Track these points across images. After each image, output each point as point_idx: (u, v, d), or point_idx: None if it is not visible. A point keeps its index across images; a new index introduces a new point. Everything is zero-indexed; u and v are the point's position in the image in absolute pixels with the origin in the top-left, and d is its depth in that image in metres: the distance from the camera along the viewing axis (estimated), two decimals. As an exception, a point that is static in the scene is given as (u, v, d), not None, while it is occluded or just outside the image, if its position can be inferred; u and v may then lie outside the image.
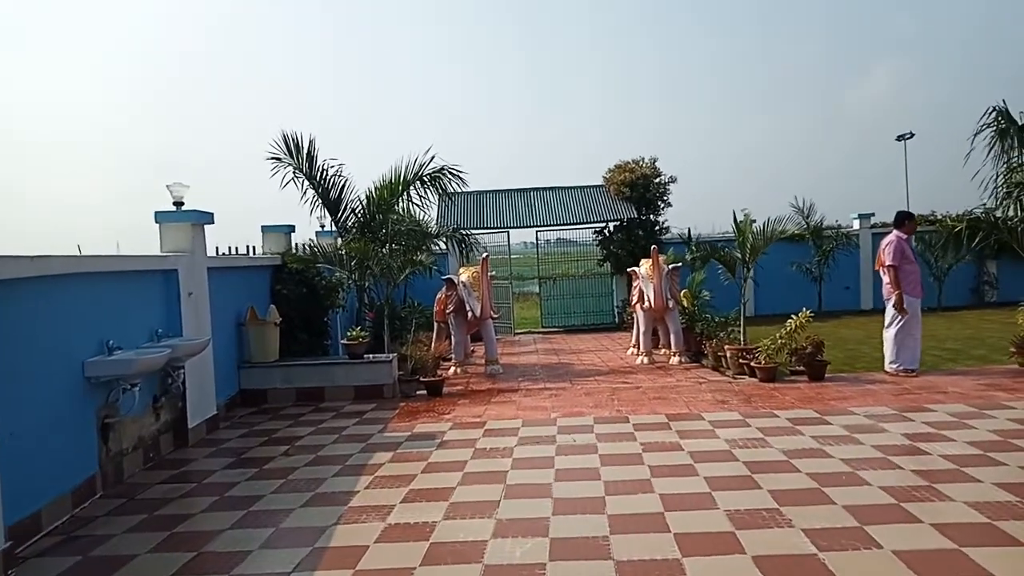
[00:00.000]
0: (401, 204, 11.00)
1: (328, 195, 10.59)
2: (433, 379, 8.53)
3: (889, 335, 8.52)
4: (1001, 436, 5.60)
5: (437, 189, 11.12)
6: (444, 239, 13.27)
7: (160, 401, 6.11)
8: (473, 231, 14.85)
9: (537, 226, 16.93)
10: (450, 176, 10.95)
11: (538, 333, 16.15)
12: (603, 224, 16.60)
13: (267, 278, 9.21)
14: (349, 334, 8.61)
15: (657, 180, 16.38)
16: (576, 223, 16.86)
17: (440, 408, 7.64)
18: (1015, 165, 9.21)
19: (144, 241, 6.56)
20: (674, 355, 10.20)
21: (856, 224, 17.42)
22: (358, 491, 4.99)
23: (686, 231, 16.87)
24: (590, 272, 17.13)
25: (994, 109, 9.34)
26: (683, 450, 5.59)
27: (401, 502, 4.71)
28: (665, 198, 16.51)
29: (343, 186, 10.65)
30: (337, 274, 9.84)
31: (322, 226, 12.62)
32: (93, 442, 5.14)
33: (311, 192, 10.53)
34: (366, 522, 4.38)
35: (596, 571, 3.55)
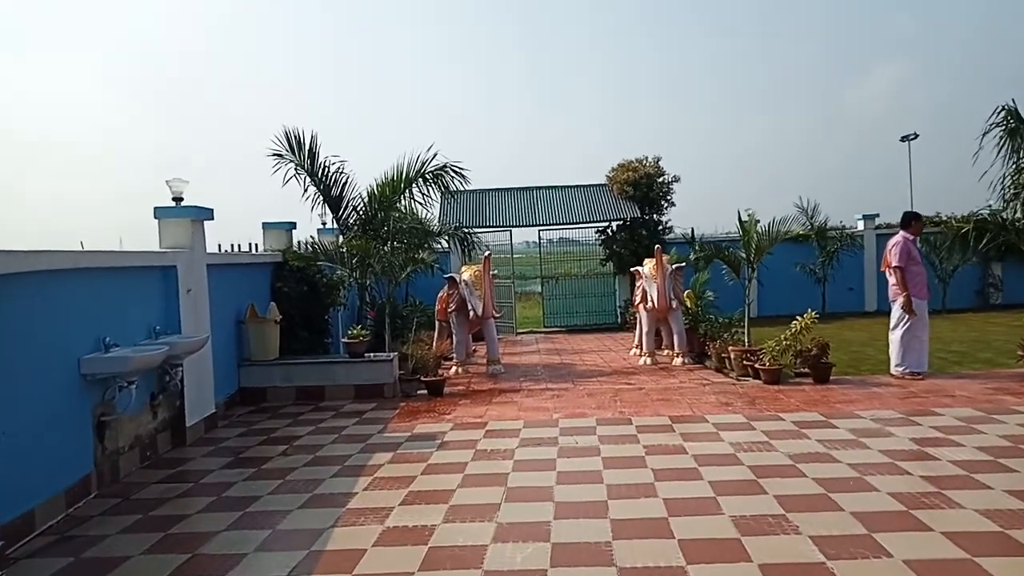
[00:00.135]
0: (403, 202, 10.93)
1: (329, 192, 10.51)
2: (434, 379, 8.45)
3: (895, 337, 8.43)
4: (1011, 442, 5.50)
5: (439, 187, 11.04)
6: (446, 237, 13.20)
7: (158, 399, 6.04)
8: (475, 230, 14.76)
9: (540, 225, 16.83)
10: (452, 174, 10.88)
11: (540, 333, 16.07)
12: (606, 223, 16.50)
13: (268, 275, 9.14)
14: (350, 332, 8.54)
15: (660, 179, 16.28)
16: (579, 222, 16.76)
17: (441, 408, 7.56)
18: (1024, 165, 9.12)
19: (147, 239, 6.54)
20: (677, 356, 10.11)
21: (860, 225, 17.29)
22: (357, 492, 4.91)
23: (689, 231, 16.79)
24: (593, 272, 17.04)
25: (1003, 108, 9.25)
26: (687, 453, 5.50)
27: (400, 504, 4.63)
28: (668, 197, 16.43)
29: (345, 183, 10.57)
30: (338, 272, 9.77)
31: (324, 223, 12.59)
32: (89, 440, 5.07)
33: (312, 189, 10.45)
34: (364, 524, 4.31)
35: (598, 578, 3.47)
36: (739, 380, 8.54)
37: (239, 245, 10.62)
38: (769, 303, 14.94)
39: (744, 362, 8.62)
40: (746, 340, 9.05)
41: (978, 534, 3.79)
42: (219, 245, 10.31)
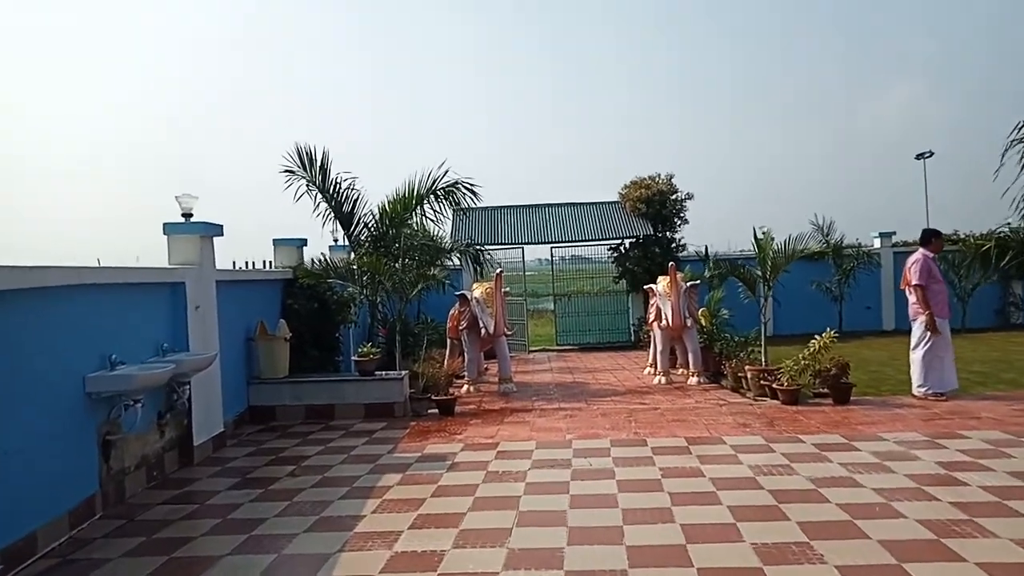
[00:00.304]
0: (415, 218, 10.88)
1: (341, 209, 10.48)
2: (445, 397, 8.33)
3: (916, 357, 8.23)
4: (1042, 466, 5.30)
5: (451, 204, 11.00)
6: (458, 254, 13.12)
7: (165, 418, 5.95)
8: (487, 247, 14.68)
9: (552, 242, 16.75)
10: (464, 190, 10.83)
11: (553, 351, 15.91)
12: (619, 241, 16.39)
13: (278, 292, 9.08)
14: (360, 350, 8.45)
15: (674, 196, 16.18)
16: (591, 239, 16.66)
17: (452, 428, 7.44)
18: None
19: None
20: (692, 375, 9.94)
21: (877, 242, 17.09)
22: (365, 515, 4.79)
23: (703, 248, 16.63)
24: (605, 289, 16.91)
25: (1023, 124, 9.09)
26: (704, 476, 5.34)
27: (409, 528, 4.50)
28: (682, 215, 16.31)
29: (356, 200, 10.55)
30: (349, 289, 9.70)
31: (335, 240, 12.53)
32: (94, 460, 4.98)
33: (324, 206, 10.43)
34: (372, 549, 4.18)
35: (615, 609, 3.32)
36: (756, 400, 8.36)
37: (253, 262, 10.59)
38: (785, 321, 14.71)
39: (761, 382, 8.45)
40: (763, 359, 8.87)
41: (1014, 565, 3.61)
42: (234, 262, 10.29)
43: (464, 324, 9.79)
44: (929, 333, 8.05)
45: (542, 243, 16.86)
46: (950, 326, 8.38)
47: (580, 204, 17.59)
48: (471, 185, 10.87)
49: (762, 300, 9.20)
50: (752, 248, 9.66)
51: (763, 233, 9.27)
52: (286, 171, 10.23)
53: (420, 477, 5.65)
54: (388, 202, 10.69)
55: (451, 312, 10.60)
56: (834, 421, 7.06)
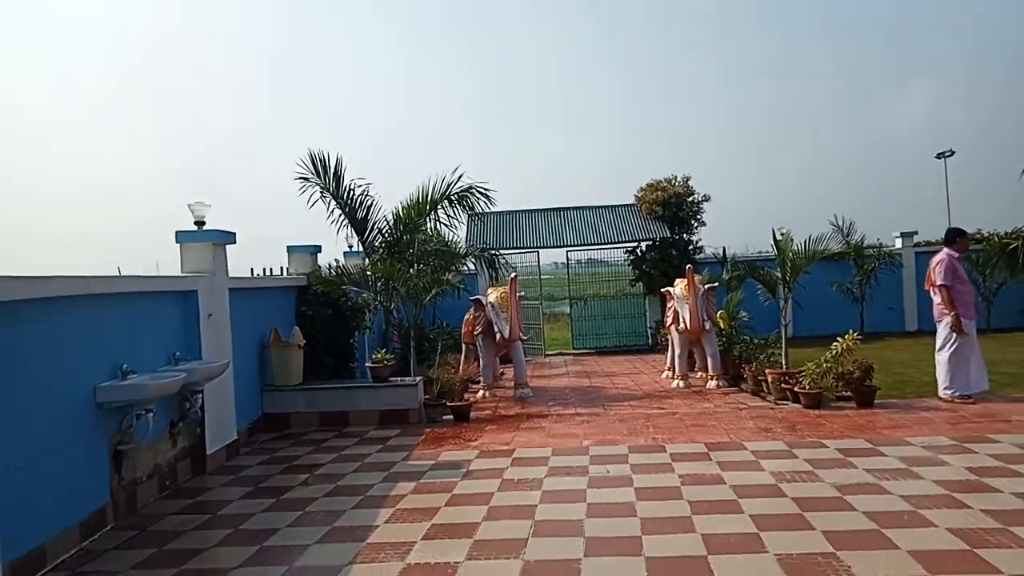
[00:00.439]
0: (429, 224, 10.82)
1: (355, 215, 10.44)
2: (460, 403, 8.24)
3: (942, 359, 8.02)
4: (1078, 471, 5.11)
5: (465, 208, 10.93)
6: (473, 259, 13.04)
7: (177, 427, 5.91)
8: (503, 251, 14.59)
9: (568, 246, 16.62)
10: (478, 195, 10.76)
11: (569, 355, 15.78)
12: (635, 243, 16.24)
13: (292, 299, 9.04)
14: (374, 356, 8.39)
15: (690, 199, 16.00)
16: (607, 243, 16.52)
17: (467, 434, 7.34)
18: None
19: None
20: (711, 379, 9.78)
21: (898, 243, 16.81)
22: (378, 525, 4.70)
23: (720, 250, 16.42)
24: (622, 292, 16.75)
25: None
26: (725, 483, 5.20)
27: (422, 538, 4.41)
28: (699, 217, 16.12)
29: (370, 206, 10.50)
30: (364, 295, 9.65)
31: (350, 246, 12.52)
32: (105, 470, 4.94)
33: (338, 212, 10.39)
34: (384, 561, 4.09)
35: (634, 624, 3.20)
36: (777, 404, 8.19)
37: (271, 269, 10.61)
38: (805, 323, 14.49)
39: (782, 385, 8.27)
40: (783, 362, 8.70)
41: (1053, 577, 3.44)
42: (251, 269, 10.31)
43: (479, 329, 9.70)
44: (955, 334, 7.84)
45: (558, 247, 16.74)
46: (975, 326, 8.16)
47: (596, 207, 17.46)
48: (485, 190, 10.81)
49: (782, 302, 9.02)
50: (770, 250, 9.50)
51: (782, 234, 9.11)
52: (300, 178, 10.21)
53: (434, 485, 5.56)
54: (402, 208, 10.64)
55: (466, 317, 10.52)
56: (858, 425, 6.88)
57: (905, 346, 13.27)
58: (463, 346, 10.93)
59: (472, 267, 13.38)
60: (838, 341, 7.90)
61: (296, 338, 8.22)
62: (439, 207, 10.70)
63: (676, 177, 16.41)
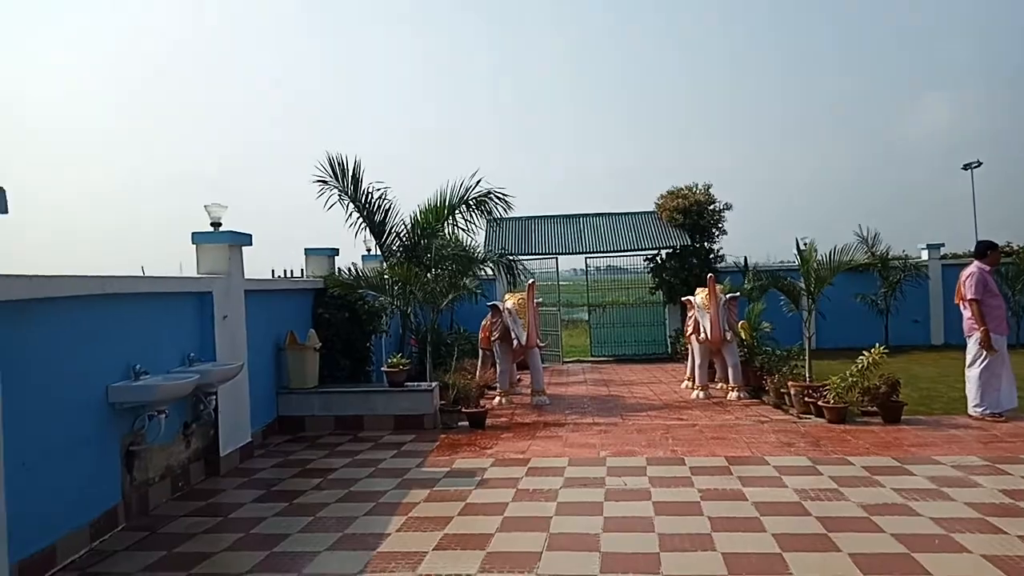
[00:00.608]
0: (447, 228, 10.75)
1: (373, 218, 10.40)
2: (476, 410, 8.14)
3: (972, 375, 7.79)
4: (1117, 496, 4.90)
5: (483, 213, 10.85)
6: (491, 264, 12.96)
7: (191, 428, 5.86)
8: (521, 257, 14.50)
9: (586, 252, 16.50)
10: (496, 200, 10.68)
11: (587, 362, 15.64)
12: (655, 251, 16.08)
13: (309, 301, 9.00)
14: (389, 361, 8.31)
15: (711, 207, 15.82)
16: (627, 250, 16.38)
17: (482, 442, 7.24)
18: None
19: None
20: (732, 390, 9.60)
21: (925, 255, 16.49)
22: (389, 534, 4.61)
23: (742, 260, 16.22)
24: (641, 300, 16.58)
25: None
26: (747, 500, 5.04)
27: (434, 549, 4.31)
28: (720, 225, 15.93)
29: (388, 209, 10.46)
30: (380, 299, 9.59)
31: (368, 250, 12.48)
32: (116, 471, 4.90)
33: (356, 215, 10.36)
34: (395, 571, 4.00)
35: (652, 647, 3.07)
36: (800, 418, 7.99)
37: (292, 271, 10.57)
38: (827, 335, 14.23)
39: (806, 399, 8.08)
40: (807, 374, 8.51)
41: (1096, 610, 3.27)
42: (272, 271, 10.29)
43: (496, 335, 9.61)
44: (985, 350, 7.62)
45: (576, 253, 16.63)
46: (1007, 342, 7.93)
47: (615, 214, 17.32)
48: (503, 195, 10.73)
49: (805, 313, 8.83)
50: (792, 259, 9.30)
51: (806, 244, 8.93)
52: (318, 181, 10.20)
53: (448, 493, 5.46)
54: (420, 212, 10.59)
55: (483, 323, 10.44)
56: (884, 442, 6.69)
57: (932, 360, 12.98)
58: (480, 352, 10.84)
59: (490, 272, 13.29)
60: (864, 355, 7.70)
61: (312, 341, 8.18)
62: (457, 212, 10.64)
63: (697, 185, 16.25)
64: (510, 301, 9.73)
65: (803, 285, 8.89)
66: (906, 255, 16.21)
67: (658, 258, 16.01)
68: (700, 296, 9.92)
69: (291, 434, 7.80)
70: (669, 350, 15.44)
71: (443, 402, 8.16)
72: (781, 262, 18.36)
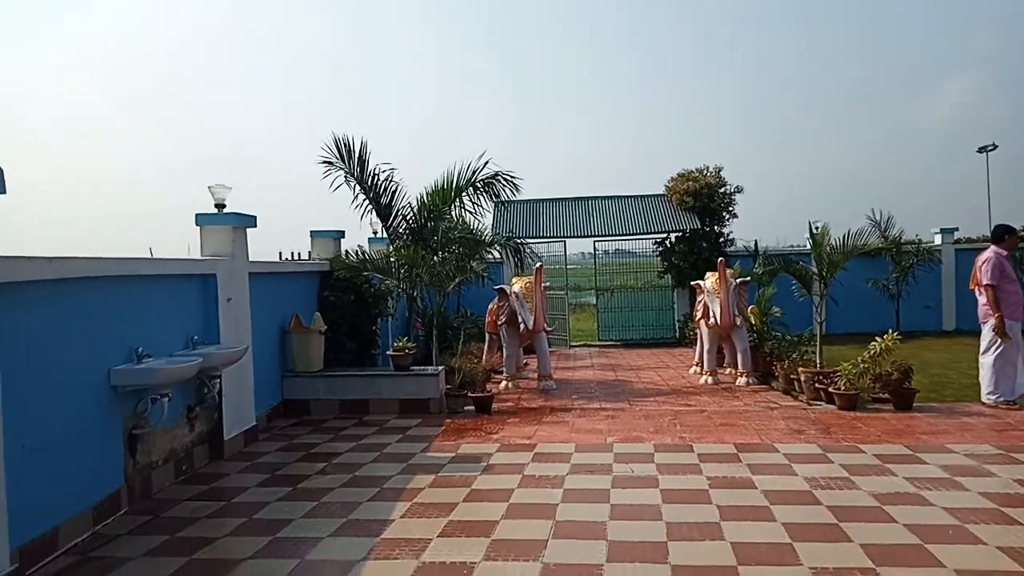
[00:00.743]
0: (454, 211, 10.64)
1: (379, 201, 10.29)
2: (482, 394, 8.07)
3: (986, 362, 7.66)
4: None
5: (491, 196, 10.72)
6: (498, 247, 12.85)
7: (195, 411, 5.82)
8: (529, 240, 14.37)
9: (595, 236, 16.36)
10: (504, 182, 10.54)
11: (595, 346, 15.56)
12: (664, 235, 15.93)
13: (315, 284, 8.93)
14: (395, 345, 8.25)
15: (722, 190, 15.63)
16: (636, 233, 16.22)
17: (488, 427, 7.18)
18: None
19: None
20: (740, 376, 9.50)
21: (938, 239, 16.26)
22: (393, 520, 4.56)
23: (752, 243, 16.05)
24: (650, 284, 16.45)
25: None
26: (756, 488, 4.96)
27: (439, 536, 4.26)
28: (730, 208, 15.75)
29: (395, 192, 10.33)
30: (387, 282, 9.51)
31: (375, 232, 12.39)
32: (119, 454, 4.86)
33: (362, 197, 10.24)
34: (398, 558, 3.94)
35: (659, 640, 3.01)
36: (810, 404, 7.90)
37: (299, 254, 10.52)
38: (837, 320, 14.08)
39: (816, 385, 7.98)
40: (818, 360, 8.40)
41: (1116, 605, 3.18)
42: (279, 253, 10.24)
43: (503, 319, 9.53)
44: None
45: (585, 236, 16.48)
46: (1023, 329, 7.79)
47: (624, 197, 17.15)
48: (511, 177, 10.59)
49: (816, 298, 8.70)
50: (803, 243, 9.16)
51: (819, 228, 8.77)
52: (324, 162, 10.09)
53: (453, 479, 5.40)
54: (427, 194, 10.47)
55: (490, 306, 10.36)
56: (896, 429, 6.59)
57: (943, 346, 12.84)
58: (487, 336, 10.77)
59: (497, 255, 13.17)
60: (877, 341, 7.58)
61: (317, 324, 8.12)
62: (464, 194, 10.51)
63: (708, 167, 16.06)
64: (517, 285, 9.64)
65: (815, 269, 8.75)
66: (919, 239, 16.00)
67: (667, 242, 15.87)
68: (710, 280, 9.80)
69: (296, 418, 7.77)
70: (677, 335, 15.34)
71: (449, 386, 8.11)
72: (791, 246, 18.17)
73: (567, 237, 16.25)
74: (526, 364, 11.02)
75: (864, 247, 8.89)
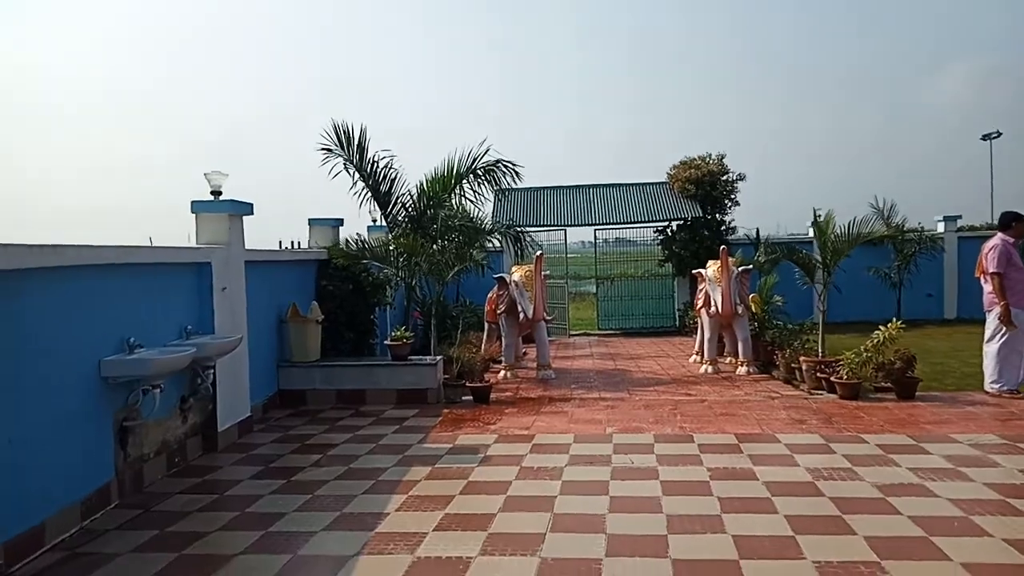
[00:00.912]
0: (454, 199, 10.52)
1: (378, 188, 10.17)
2: (480, 384, 7.99)
3: (991, 350, 7.57)
4: None
5: (492, 183, 10.60)
6: (498, 236, 12.73)
7: (188, 402, 5.73)
8: (529, 228, 14.26)
9: (596, 224, 16.24)
10: (504, 170, 10.40)
11: (594, 335, 15.48)
12: (665, 223, 15.81)
13: (312, 273, 8.84)
14: (393, 334, 8.17)
15: (724, 177, 15.51)
16: (637, 222, 16.10)
17: (486, 417, 7.10)
18: None
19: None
20: (741, 365, 9.42)
21: (941, 227, 16.15)
22: (388, 513, 4.48)
23: (754, 232, 15.94)
24: (650, 273, 16.35)
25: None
26: (758, 479, 4.88)
27: (434, 529, 4.18)
28: (732, 196, 15.63)
29: (394, 179, 10.20)
30: (385, 270, 9.42)
31: (374, 220, 12.29)
32: (109, 447, 4.77)
33: (361, 184, 10.13)
34: (393, 553, 3.87)
35: (658, 637, 2.93)
36: (811, 394, 7.81)
37: (298, 242, 10.40)
38: (838, 309, 13.94)
39: (818, 374, 7.89)
40: (819, 349, 8.31)
41: None
42: (279, 242, 10.12)
43: (502, 308, 9.43)
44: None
45: (585, 225, 16.36)
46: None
47: (626, 185, 17.02)
48: (512, 164, 10.45)
49: (819, 287, 8.60)
50: (804, 232, 9.05)
51: (823, 215, 8.66)
52: (323, 149, 9.96)
53: (449, 471, 5.33)
54: (426, 181, 10.34)
55: (489, 295, 10.26)
56: (899, 419, 6.50)
57: (944, 335, 12.77)
58: (486, 325, 10.68)
59: (497, 244, 13.06)
60: (880, 330, 7.48)
61: (314, 313, 8.03)
62: (464, 181, 10.38)
63: (711, 155, 15.93)
64: (517, 273, 9.55)
65: (818, 257, 8.65)
66: (922, 227, 15.88)
67: (668, 230, 15.75)
68: (712, 269, 9.70)
69: (292, 408, 7.69)
70: (677, 324, 15.26)
71: (447, 376, 8.03)
72: (791, 234, 18.07)
73: (568, 225, 16.14)
74: (525, 353, 10.95)
75: (870, 235, 8.80)
